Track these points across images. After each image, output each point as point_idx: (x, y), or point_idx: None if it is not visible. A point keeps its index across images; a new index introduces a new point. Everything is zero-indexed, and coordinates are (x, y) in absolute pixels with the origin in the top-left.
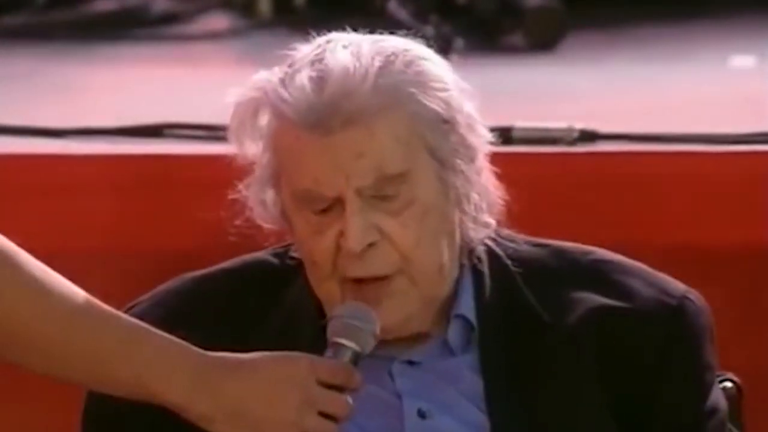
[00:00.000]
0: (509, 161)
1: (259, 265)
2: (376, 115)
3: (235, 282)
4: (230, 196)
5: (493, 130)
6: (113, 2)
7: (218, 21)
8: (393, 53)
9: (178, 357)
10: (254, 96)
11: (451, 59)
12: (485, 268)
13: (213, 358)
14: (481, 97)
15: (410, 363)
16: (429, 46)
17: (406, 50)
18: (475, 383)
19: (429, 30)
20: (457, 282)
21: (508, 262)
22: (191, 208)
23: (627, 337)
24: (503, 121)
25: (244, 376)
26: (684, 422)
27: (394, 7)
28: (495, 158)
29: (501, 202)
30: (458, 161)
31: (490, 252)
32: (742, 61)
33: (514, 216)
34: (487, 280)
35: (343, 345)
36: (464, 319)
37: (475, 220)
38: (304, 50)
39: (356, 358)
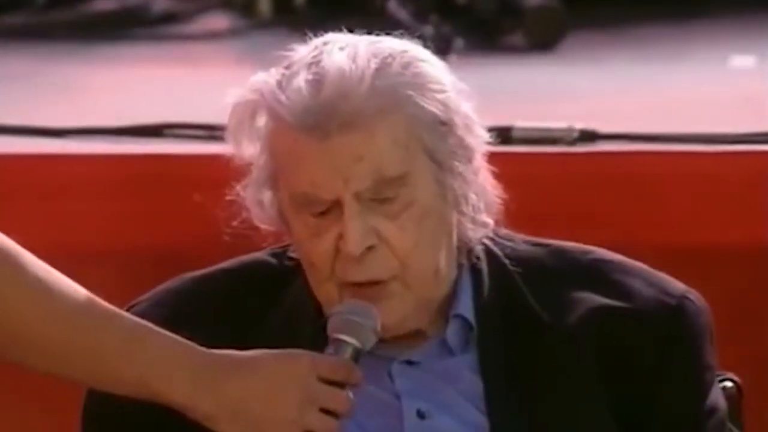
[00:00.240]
0: (509, 161)
1: (258, 266)
2: (374, 117)
3: (235, 282)
4: (228, 198)
5: (492, 129)
6: (113, 2)
7: (218, 21)
8: (390, 55)
9: (180, 356)
10: (251, 98)
11: (451, 59)
12: (484, 268)
13: (215, 357)
14: (481, 97)
15: (409, 363)
16: (429, 46)
17: (403, 52)
18: (474, 383)
19: (429, 30)
20: (456, 282)
21: (507, 261)
22: (191, 208)
23: (627, 337)
24: (503, 121)
25: (245, 374)
26: (684, 422)
27: (393, 7)
28: (495, 158)
29: (499, 201)
30: (456, 163)
31: (489, 252)
32: (742, 61)
33: (514, 216)
34: (486, 280)
35: (343, 341)
36: (463, 319)
37: (473, 221)
38: (301, 52)
39: (357, 355)
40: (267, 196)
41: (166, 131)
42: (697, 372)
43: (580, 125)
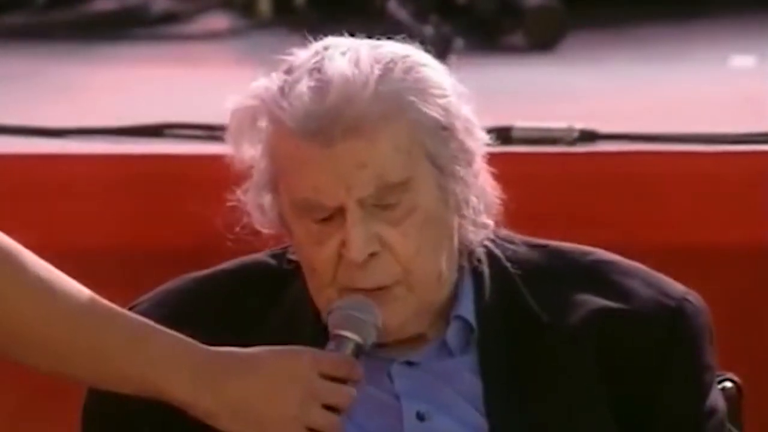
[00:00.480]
0: (509, 161)
1: (258, 266)
2: (378, 123)
3: (235, 283)
4: (228, 203)
5: (492, 130)
6: (113, 2)
7: (218, 21)
8: (392, 60)
9: (182, 354)
10: (252, 105)
11: (451, 59)
12: (485, 271)
13: (216, 355)
14: (480, 97)
15: (409, 364)
16: (429, 46)
17: (404, 56)
18: (473, 384)
19: (429, 30)
20: (457, 284)
21: (507, 264)
22: (191, 208)
23: (626, 339)
24: (503, 121)
25: (246, 372)
26: (684, 423)
27: (393, 8)
28: (495, 158)
29: (498, 202)
30: (457, 167)
31: (489, 254)
32: (742, 61)
33: (514, 216)
34: (487, 282)
35: (345, 337)
36: (463, 320)
37: (474, 223)
38: (302, 56)
39: (358, 350)
40: (267, 199)
41: (166, 131)
42: (697, 373)
43: (580, 125)
